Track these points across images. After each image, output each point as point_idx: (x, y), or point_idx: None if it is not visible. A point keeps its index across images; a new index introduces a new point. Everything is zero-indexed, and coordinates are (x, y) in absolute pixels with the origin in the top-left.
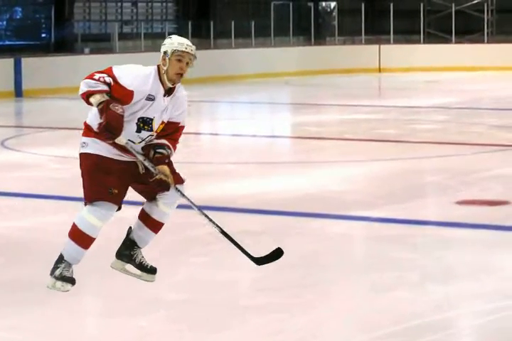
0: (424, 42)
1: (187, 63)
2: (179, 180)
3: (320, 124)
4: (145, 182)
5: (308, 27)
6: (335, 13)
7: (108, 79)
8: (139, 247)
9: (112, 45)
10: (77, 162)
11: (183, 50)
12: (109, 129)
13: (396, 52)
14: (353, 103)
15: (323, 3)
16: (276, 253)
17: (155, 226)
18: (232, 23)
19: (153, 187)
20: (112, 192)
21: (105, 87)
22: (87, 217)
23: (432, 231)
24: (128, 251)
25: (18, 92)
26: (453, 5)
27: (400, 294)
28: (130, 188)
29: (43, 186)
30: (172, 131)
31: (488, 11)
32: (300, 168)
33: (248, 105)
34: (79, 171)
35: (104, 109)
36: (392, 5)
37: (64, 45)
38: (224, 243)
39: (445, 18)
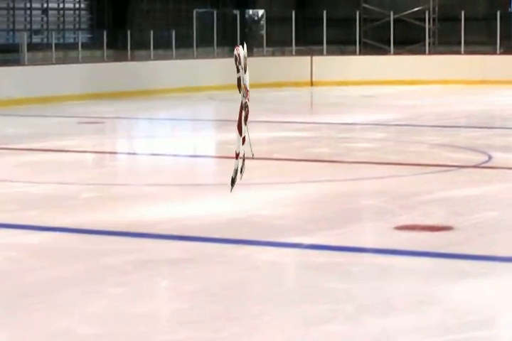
0: (360, 54)
1: None
2: None
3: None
4: None
5: (234, 37)
6: (263, 22)
7: None
8: None
9: (20, 56)
10: None
11: None
12: None
13: (330, 64)
14: (283, 119)
15: (250, 11)
16: None
17: None
18: (151, 32)
19: None
20: None
21: None
22: None
23: (369, 259)
24: None
25: None
26: (391, 13)
27: (334, 327)
28: None
29: None
30: None
31: (429, 19)
32: (225, 190)
33: (168, 122)
34: None
35: None
36: (325, 12)
37: None
38: (142, 272)
39: (383, 27)
